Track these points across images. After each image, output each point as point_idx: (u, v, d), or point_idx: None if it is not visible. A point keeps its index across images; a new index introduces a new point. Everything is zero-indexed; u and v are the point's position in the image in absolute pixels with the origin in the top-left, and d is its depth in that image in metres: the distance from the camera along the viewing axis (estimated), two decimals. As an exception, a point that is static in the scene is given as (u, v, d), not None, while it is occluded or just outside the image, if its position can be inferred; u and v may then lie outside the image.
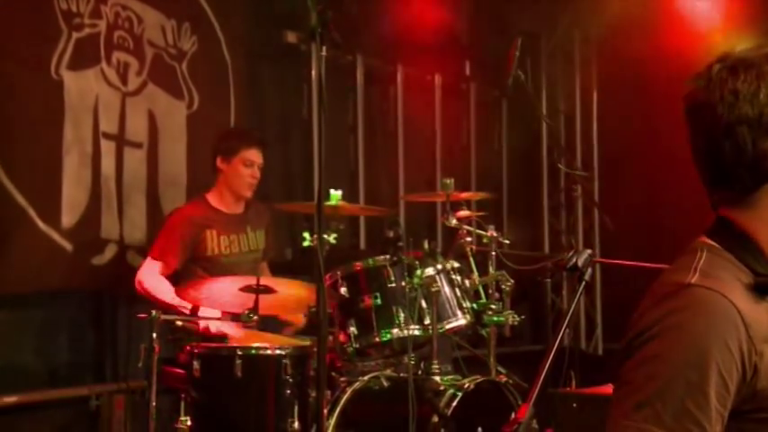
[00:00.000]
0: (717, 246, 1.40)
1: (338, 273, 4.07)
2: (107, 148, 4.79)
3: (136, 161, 4.94)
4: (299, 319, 4.49)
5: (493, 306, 4.23)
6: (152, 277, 4.28)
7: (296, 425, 3.70)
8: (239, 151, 4.52)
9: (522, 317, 4.31)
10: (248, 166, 4.52)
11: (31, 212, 4.44)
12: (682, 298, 1.32)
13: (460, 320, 4.08)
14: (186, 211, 4.51)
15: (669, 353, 1.29)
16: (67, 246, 4.58)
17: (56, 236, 4.53)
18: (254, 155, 4.53)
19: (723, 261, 1.38)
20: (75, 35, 4.63)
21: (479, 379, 3.98)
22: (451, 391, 3.85)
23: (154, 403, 3.65)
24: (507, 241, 4.65)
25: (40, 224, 4.47)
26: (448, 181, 4.49)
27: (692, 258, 1.38)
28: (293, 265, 5.47)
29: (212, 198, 4.57)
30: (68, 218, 4.59)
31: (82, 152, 4.66)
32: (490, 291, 4.35)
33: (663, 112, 6.56)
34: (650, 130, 6.85)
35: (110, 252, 4.78)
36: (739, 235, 1.40)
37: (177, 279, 4.34)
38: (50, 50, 4.53)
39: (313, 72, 5.77)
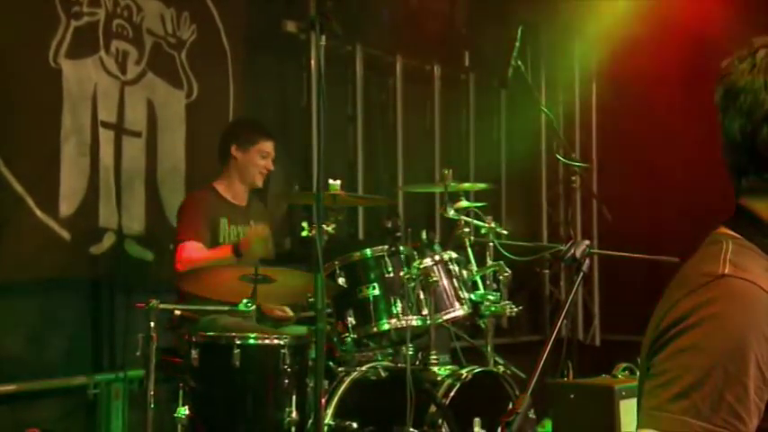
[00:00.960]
0: (739, 237, 1.39)
1: (336, 263, 4.08)
2: (106, 137, 4.78)
3: (135, 150, 4.93)
4: (288, 312, 4.52)
5: (491, 297, 4.23)
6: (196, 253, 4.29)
7: (294, 414, 3.70)
8: (258, 142, 4.55)
9: (520, 308, 4.31)
10: (264, 157, 4.56)
11: (29, 201, 4.44)
12: (716, 288, 1.30)
13: (458, 311, 4.08)
14: (202, 196, 4.53)
15: (707, 343, 1.27)
16: (65, 234, 4.58)
17: (54, 224, 4.53)
18: (270, 147, 4.59)
19: (748, 251, 1.37)
20: (73, 23, 4.62)
21: (477, 369, 3.99)
22: (449, 381, 3.86)
23: (152, 392, 3.65)
24: (505, 232, 4.65)
25: (38, 213, 4.47)
26: (446, 171, 4.49)
27: (718, 249, 1.37)
28: (292, 254, 5.47)
29: (220, 187, 4.58)
30: (66, 206, 4.58)
31: (80, 141, 4.66)
32: (488, 282, 4.35)
33: (662, 104, 6.58)
34: (649, 121, 6.85)
35: (108, 241, 4.78)
36: (761, 225, 1.39)
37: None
38: (49, 39, 4.52)
39: (312, 62, 5.77)
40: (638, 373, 1.43)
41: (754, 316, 1.28)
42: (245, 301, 3.77)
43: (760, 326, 1.28)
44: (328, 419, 3.83)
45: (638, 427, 1.30)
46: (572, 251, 2.06)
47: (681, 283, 1.37)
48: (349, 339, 4.04)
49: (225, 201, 4.54)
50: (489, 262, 4.48)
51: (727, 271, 1.32)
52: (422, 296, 3.96)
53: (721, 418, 1.25)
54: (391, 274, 4.01)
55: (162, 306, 3.74)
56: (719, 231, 1.42)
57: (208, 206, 4.46)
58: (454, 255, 4.19)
